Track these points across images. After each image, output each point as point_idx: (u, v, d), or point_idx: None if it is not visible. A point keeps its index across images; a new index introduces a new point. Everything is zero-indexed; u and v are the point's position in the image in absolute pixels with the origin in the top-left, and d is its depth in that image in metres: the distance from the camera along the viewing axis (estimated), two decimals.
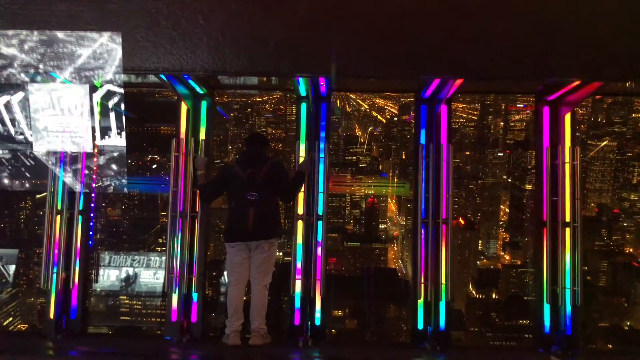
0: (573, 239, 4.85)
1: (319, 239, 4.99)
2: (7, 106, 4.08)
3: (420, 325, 5.03)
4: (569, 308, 4.87)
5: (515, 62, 4.05)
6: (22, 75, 3.93)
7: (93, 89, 3.97)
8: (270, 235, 4.60)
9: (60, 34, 3.81)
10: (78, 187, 4.78)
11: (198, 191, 4.90)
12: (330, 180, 5.15)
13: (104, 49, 3.83)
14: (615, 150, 29.14)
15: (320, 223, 5.01)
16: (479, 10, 3.91)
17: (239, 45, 3.92)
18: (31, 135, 4.13)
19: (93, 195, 5.26)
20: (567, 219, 4.89)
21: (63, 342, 4.99)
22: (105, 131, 4.10)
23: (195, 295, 5.11)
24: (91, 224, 5.33)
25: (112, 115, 4.07)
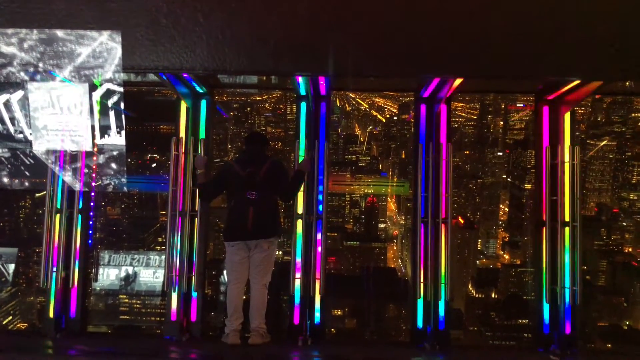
0: (572, 238, 4.85)
1: (319, 238, 4.99)
2: (7, 105, 4.08)
3: (419, 325, 5.03)
4: (568, 307, 4.87)
5: (514, 62, 4.05)
6: (22, 73, 3.92)
7: (93, 87, 3.96)
8: (269, 234, 4.60)
9: (59, 33, 3.80)
10: (77, 186, 4.77)
11: (198, 190, 4.90)
12: (330, 180, 5.15)
13: (103, 47, 3.82)
14: (615, 150, 29.17)
15: (319, 222, 5.01)
16: (478, 9, 3.90)
17: (238, 44, 3.92)
18: (31, 134, 4.12)
19: (93, 194, 5.26)
20: (567, 218, 4.89)
21: (62, 341, 4.99)
22: (104, 130, 4.10)
23: (194, 294, 5.11)
24: (91, 222, 5.33)
25: (111, 114, 4.07)
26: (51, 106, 4.04)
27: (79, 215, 5.19)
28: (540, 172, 5.09)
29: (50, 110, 4.05)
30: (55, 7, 3.82)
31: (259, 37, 3.93)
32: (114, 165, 4.22)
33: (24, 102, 4.05)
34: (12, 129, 4.16)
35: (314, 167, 5.00)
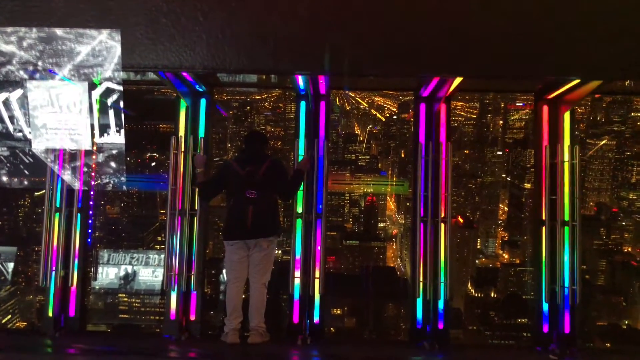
0: (572, 237, 4.85)
1: (318, 237, 4.99)
2: (6, 103, 4.07)
3: (419, 324, 5.03)
4: (567, 307, 4.87)
5: (514, 61, 4.04)
6: (21, 72, 3.91)
7: (92, 86, 3.96)
8: (269, 233, 4.60)
9: (59, 31, 3.79)
10: (77, 185, 4.76)
11: (197, 189, 4.90)
12: (330, 179, 5.14)
13: (103, 46, 3.82)
14: (614, 149, 29.21)
15: (319, 221, 5.01)
16: (478, 8, 3.90)
17: (238, 43, 3.91)
18: (30, 132, 4.12)
19: (92, 193, 5.26)
20: (566, 217, 4.89)
21: (62, 340, 4.98)
22: (104, 129, 4.09)
23: (194, 294, 5.11)
24: (90, 221, 5.32)
25: (111, 112, 4.06)
26: (50, 105, 4.03)
27: (79, 214, 5.18)
28: (539, 171, 5.09)
29: (49, 108, 4.05)
30: (55, 5, 3.82)
31: (258, 36, 3.92)
32: (113, 164, 4.22)
33: (23, 101, 4.04)
34: (11, 128, 4.15)
35: (313, 166, 5.00)
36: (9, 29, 3.79)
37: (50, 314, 5.09)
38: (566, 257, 4.85)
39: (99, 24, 3.80)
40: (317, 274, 4.95)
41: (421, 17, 3.93)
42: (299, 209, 5.02)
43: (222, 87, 6.72)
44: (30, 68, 3.88)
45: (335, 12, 3.91)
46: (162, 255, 5.43)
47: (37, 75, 3.92)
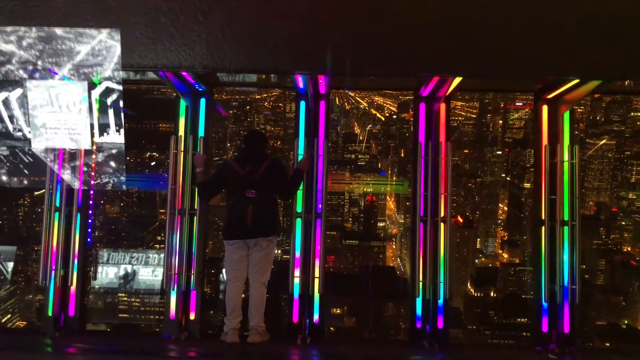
0: (571, 237, 4.85)
1: (318, 236, 4.99)
2: (6, 103, 4.07)
3: (418, 323, 5.04)
4: (567, 306, 4.88)
5: (514, 61, 4.05)
6: (21, 71, 3.91)
7: (92, 85, 3.96)
8: (268, 232, 4.60)
9: (58, 31, 3.79)
10: (77, 184, 4.76)
11: (197, 188, 4.90)
12: (329, 178, 5.15)
13: (102, 45, 3.82)
14: (614, 149, 29.21)
15: (319, 221, 5.01)
16: (478, 8, 3.90)
17: (238, 43, 3.91)
18: (29, 132, 4.12)
19: (92, 192, 5.26)
20: (566, 217, 4.89)
21: (61, 339, 4.99)
22: (103, 128, 4.09)
23: (193, 293, 5.11)
24: (90, 221, 5.32)
25: (110, 112, 4.06)
26: (50, 104, 4.03)
27: (78, 214, 5.18)
28: (539, 171, 5.09)
29: (49, 108, 4.05)
30: (54, 4, 3.82)
31: (258, 36, 3.92)
32: (113, 164, 4.22)
33: (23, 100, 4.04)
34: (11, 127, 4.15)
35: (313, 165, 5.00)
36: (9, 29, 3.79)
37: (50, 313, 5.09)
38: (566, 257, 4.85)
39: (99, 23, 3.80)
40: (317, 274, 4.95)
41: (421, 17, 3.93)
42: (299, 209, 5.03)
43: (222, 87, 6.71)
44: (30, 67, 3.88)
45: (335, 11, 3.91)
46: (162, 255, 5.42)
47: (37, 75, 3.92)
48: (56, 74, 3.90)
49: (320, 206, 5.02)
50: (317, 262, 4.96)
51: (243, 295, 4.78)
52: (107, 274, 6.42)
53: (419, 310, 5.04)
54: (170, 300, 5.02)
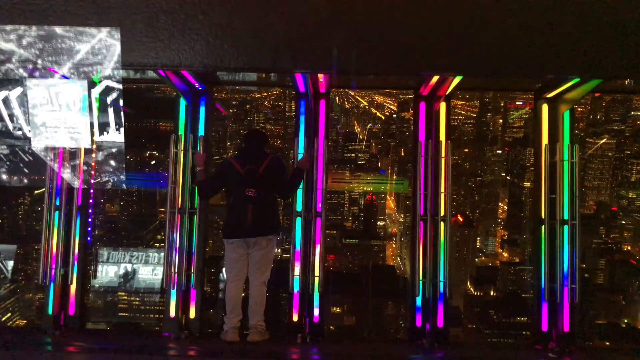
0: (571, 236, 4.85)
1: (318, 235, 4.99)
2: (6, 102, 4.07)
3: (418, 322, 5.04)
4: (566, 305, 4.88)
5: (514, 59, 4.04)
6: (21, 70, 3.91)
7: (92, 84, 3.96)
8: (268, 231, 4.60)
9: (58, 29, 3.79)
10: (76, 183, 4.77)
11: (197, 187, 4.90)
12: (329, 177, 5.14)
13: (102, 44, 3.82)
14: (614, 148, 29.21)
15: (318, 220, 5.01)
16: (478, 7, 3.90)
17: (238, 41, 3.91)
18: (29, 130, 4.12)
19: (92, 191, 5.26)
20: (566, 216, 4.89)
21: (61, 338, 4.98)
22: (103, 127, 4.09)
23: (193, 292, 5.11)
24: (90, 220, 5.32)
25: (110, 111, 4.06)
26: (50, 103, 4.03)
27: (78, 213, 5.18)
28: (539, 170, 5.09)
29: (49, 107, 4.04)
30: (54, 3, 3.81)
31: (258, 34, 3.92)
32: (113, 163, 4.22)
33: (23, 99, 4.04)
34: (10, 126, 4.15)
35: (313, 164, 5.00)
36: (9, 27, 3.78)
37: (50, 312, 5.09)
38: (565, 256, 4.85)
39: (99, 22, 3.80)
40: (317, 272, 4.95)
41: (421, 16, 3.93)
42: (299, 208, 5.02)
43: (222, 86, 6.71)
44: (30, 66, 3.88)
45: (335, 10, 3.91)
46: (162, 254, 5.43)
47: (37, 74, 3.92)
48: (56, 72, 3.90)
49: (320, 205, 5.02)
50: (317, 261, 4.95)
51: (243, 294, 4.78)
52: (107, 272, 6.42)
53: (418, 309, 5.04)
54: (170, 299, 5.02)
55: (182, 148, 5.03)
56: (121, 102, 4.01)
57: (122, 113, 4.06)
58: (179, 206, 5.01)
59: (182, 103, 5.16)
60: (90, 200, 5.30)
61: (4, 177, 4.34)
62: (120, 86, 3.95)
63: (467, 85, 6.01)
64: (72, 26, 3.78)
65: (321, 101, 5.21)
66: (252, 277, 4.66)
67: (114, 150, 4.17)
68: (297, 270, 4.96)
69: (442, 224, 4.99)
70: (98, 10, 3.82)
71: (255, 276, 4.62)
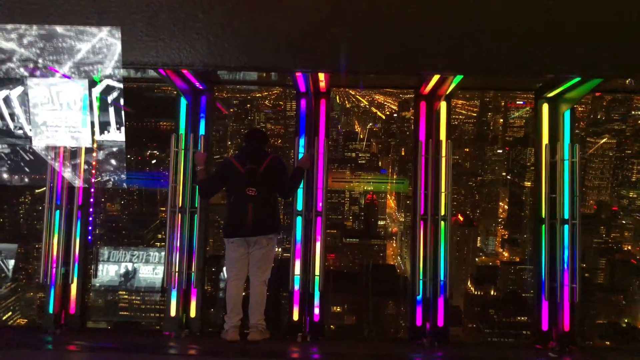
0: (571, 236, 4.85)
1: (318, 234, 4.99)
2: (6, 101, 4.07)
3: (418, 322, 5.04)
4: (567, 305, 4.88)
5: (514, 59, 4.04)
6: (21, 69, 3.92)
7: (92, 83, 3.96)
8: (269, 231, 4.60)
9: (59, 28, 3.80)
10: (77, 182, 4.77)
11: (197, 187, 4.90)
12: (330, 177, 5.14)
13: (103, 43, 3.82)
14: (615, 148, 29.19)
15: (319, 219, 5.01)
16: (479, 7, 3.90)
17: (238, 40, 3.91)
18: (30, 129, 4.12)
19: (92, 190, 5.26)
20: (566, 216, 4.89)
21: (62, 337, 4.99)
22: (104, 126, 4.10)
23: (194, 291, 5.12)
24: (90, 219, 5.32)
25: (111, 110, 4.07)
26: (51, 102, 4.04)
27: (79, 212, 5.18)
28: (539, 169, 5.09)
29: (49, 106, 4.05)
30: (55, 2, 3.82)
31: (259, 33, 3.92)
32: (113, 162, 4.23)
33: (24, 98, 4.04)
34: (11, 125, 4.15)
35: (313, 163, 5.00)
36: (9, 26, 3.79)
37: (50, 311, 5.10)
38: (566, 255, 4.85)
39: (99, 21, 3.81)
40: (317, 272, 4.95)
41: (421, 15, 3.93)
42: (299, 207, 5.02)
43: (223, 85, 6.71)
44: (31, 65, 3.88)
45: (335, 9, 3.91)
46: (163, 253, 5.44)
47: (38, 73, 3.92)
48: (57, 71, 3.90)
49: (320, 204, 5.02)
50: (317, 260, 4.95)
51: (243, 293, 4.79)
52: (108, 271, 6.42)
53: (419, 309, 5.04)
54: (171, 298, 5.03)
55: (183, 147, 5.03)
56: (122, 101, 4.02)
57: (122, 112, 4.07)
58: (180, 205, 5.01)
59: (183, 102, 5.17)
60: (91, 200, 5.30)
61: (5, 176, 4.35)
62: (121, 85, 3.96)
63: (467, 85, 6.01)
64: (73, 25, 3.78)
65: (322, 100, 5.21)
66: (252, 276, 4.66)
67: (114, 149, 4.18)
68: (297, 270, 4.97)
69: (442, 223, 4.99)
70: (99, 9, 3.82)
71: (255, 275, 4.63)
